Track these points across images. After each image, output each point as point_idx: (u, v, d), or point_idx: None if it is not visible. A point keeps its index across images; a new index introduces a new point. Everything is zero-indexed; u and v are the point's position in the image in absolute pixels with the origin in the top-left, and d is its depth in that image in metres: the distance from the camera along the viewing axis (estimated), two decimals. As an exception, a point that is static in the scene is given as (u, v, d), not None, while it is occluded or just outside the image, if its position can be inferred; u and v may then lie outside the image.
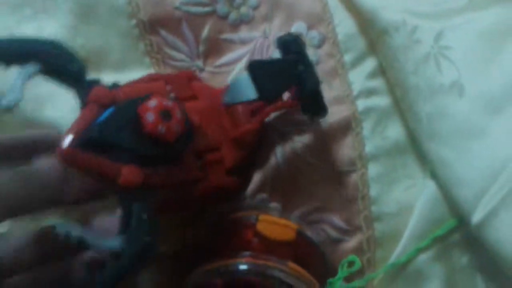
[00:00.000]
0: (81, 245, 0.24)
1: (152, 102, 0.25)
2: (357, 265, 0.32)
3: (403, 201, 0.33)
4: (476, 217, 0.29)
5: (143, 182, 0.24)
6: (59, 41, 0.26)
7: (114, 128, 0.24)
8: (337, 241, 0.33)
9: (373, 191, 0.33)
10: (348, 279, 0.33)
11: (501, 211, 0.29)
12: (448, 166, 0.30)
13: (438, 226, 0.32)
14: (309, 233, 0.33)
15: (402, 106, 0.33)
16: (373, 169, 0.33)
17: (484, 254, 0.31)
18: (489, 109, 0.30)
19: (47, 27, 0.33)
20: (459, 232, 0.32)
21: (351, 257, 0.33)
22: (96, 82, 0.26)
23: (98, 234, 0.24)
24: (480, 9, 0.33)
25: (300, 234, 0.32)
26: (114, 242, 0.24)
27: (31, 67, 0.24)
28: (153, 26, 0.34)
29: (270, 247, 0.31)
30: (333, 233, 0.33)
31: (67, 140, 0.23)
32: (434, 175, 0.32)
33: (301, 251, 0.32)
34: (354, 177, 0.33)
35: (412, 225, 0.32)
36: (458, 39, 0.32)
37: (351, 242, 0.33)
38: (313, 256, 0.33)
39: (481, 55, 0.31)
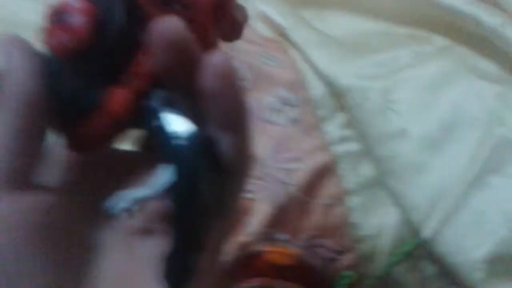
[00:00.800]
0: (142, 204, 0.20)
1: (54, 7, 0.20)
2: (354, 277, 0.42)
3: (378, 225, 0.41)
4: (425, 233, 0.38)
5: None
6: None
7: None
8: (332, 260, 0.43)
9: (355, 219, 0.42)
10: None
11: (443, 230, 0.37)
12: (402, 197, 0.39)
13: (404, 244, 0.40)
14: (307, 257, 0.43)
15: (367, 150, 0.42)
16: (353, 201, 0.42)
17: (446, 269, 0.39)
18: (429, 148, 0.38)
19: None
20: (423, 248, 0.40)
21: (347, 273, 0.42)
22: None
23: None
24: (423, 64, 0.41)
25: (299, 259, 0.42)
26: (164, 175, 0.19)
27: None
28: None
29: (277, 270, 0.42)
30: (329, 254, 0.43)
31: None
32: (395, 204, 0.40)
33: (304, 272, 0.42)
34: (338, 209, 0.42)
35: (386, 244, 0.41)
36: (402, 92, 0.40)
37: (343, 261, 0.42)
38: (312, 275, 0.43)
39: (422, 103, 0.40)
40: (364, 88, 0.41)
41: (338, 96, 0.42)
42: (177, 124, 0.19)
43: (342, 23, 0.47)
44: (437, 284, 0.40)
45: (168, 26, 0.19)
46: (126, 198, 0.20)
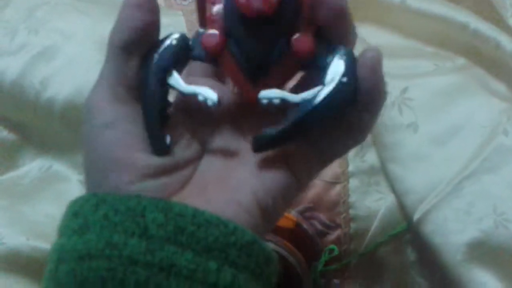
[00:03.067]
0: (284, 104, 0.26)
1: None
2: (336, 252, 0.44)
3: (372, 208, 0.44)
4: (416, 216, 0.40)
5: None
6: None
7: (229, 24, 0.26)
8: (323, 234, 0.45)
9: (351, 199, 0.45)
10: (328, 263, 0.44)
11: (432, 212, 0.39)
12: (401, 180, 0.42)
13: (394, 227, 0.43)
14: (305, 225, 0.45)
15: (375, 138, 0.45)
16: (352, 183, 0.45)
17: (428, 252, 0.41)
18: (434, 143, 0.42)
19: None
20: (409, 234, 0.42)
21: (332, 246, 0.44)
22: None
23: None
24: (441, 75, 0.45)
25: (298, 225, 0.45)
26: (312, 94, 0.25)
27: None
28: None
29: (276, 231, 0.44)
30: (320, 227, 0.45)
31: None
32: (392, 189, 0.43)
33: (297, 237, 0.44)
34: (338, 187, 0.45)
35: (376, 225, 0.43)
36: (419, 93, 0.44)
37: (333, 235, 0.45)
38: (306, 242, 0.45)
39: (434, 106, 0.43)
40: (387, 83, 0.45)
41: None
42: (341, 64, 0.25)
43: (373, 36, 0.52)
44: (415, 271, 0.42)
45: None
46: (277, 94, 0.26)
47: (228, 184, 0.28)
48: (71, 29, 0.49)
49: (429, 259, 0.41)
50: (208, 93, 0.26)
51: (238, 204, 0.26)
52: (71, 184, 0.48)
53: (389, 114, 0.44)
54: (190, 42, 0.27)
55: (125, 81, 0.26)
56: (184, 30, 0.51)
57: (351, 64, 0.25)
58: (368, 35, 0.52)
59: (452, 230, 0.38)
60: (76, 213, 0.25)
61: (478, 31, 0.45)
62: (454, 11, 0.47)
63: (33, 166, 0.49)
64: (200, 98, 0.26)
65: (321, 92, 0.25)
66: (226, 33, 0.26)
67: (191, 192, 0.27)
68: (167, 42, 0.26)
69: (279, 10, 0.25)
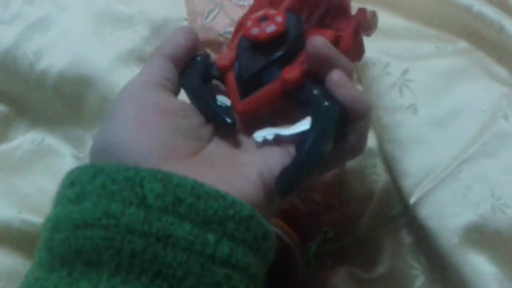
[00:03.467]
0: (278, 139, 0.29)
1: (258, 14, 0.31)
2: (331, 233, 0.44)
3: (368, 190, 0.44)
4: (413, 199, 0.40)
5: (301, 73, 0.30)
6: None
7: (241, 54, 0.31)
8: (318, 215, 0.45)
9: (348, 180, 0.44)
10: (323, 244, 0.44)
11: (429, 195, 0.39)
12: (398, 162, 0.41)
13: (390, 210, 0.42)
14: (300, 206, 0.45)
15: (374, 120, 0.45)
16: (349, 164, 0.45)
17: (423, 237, 0.41)
18: (434, 125, 0.41)
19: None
20: (405, 217, 0.42)
21: (327, 227, 0.44)
22: None
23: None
24: (443, 58, 0.45)
25: (293, 205, 0.44)
26: (303, 125, 0.29)
27: None
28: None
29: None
30: (315, 208, 0.45)
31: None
32: (389, 171, 0.43)
33: (293, 217, 0.44)
34: (335, 169, 0.45)
35: (371, 207, 0.43)
36: (420, 75, 0.43)
37: (328, 217, 0.45)
38: (300, 223, 0.44)
39: (435, 89, 0.43)
40: (388, 63, 0.44)
41: (361, 68, 0.46)
42: (324, 97, 0.29)
43: (376, 17, 0.51)
44: (409, 254, 0.42)
45: (316, 43, 0.29)
46: (270, 132, 0.30)
47: (235, 161, 0.29)
48: (66, 1, 0.48)
49: (424, 242, 0.40)
50: (223, 99, 0.32)
51: (243, 177, 0.27)
52: (64, 158, 0.47)
53: (390, 96, 0.43)
54: (211, 63, 0.33)
55: (163, 82, 0.31)
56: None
57: (326, 92, 0.29)
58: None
59: (449, 213, 0.38)
60: (73, 183, 0.25)
61: (481, 13, 0.44)
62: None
63: (25, 139, 0.48)
64: (218, 102, 0.32)
65: (310, 121, 0.29)
66: (236, 56, 0.32)
67: (198, 161, 0.28)
68: (197, 59, 0.33)
69: (282, 41, 0.30)
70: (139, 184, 0.23)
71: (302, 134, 0.29)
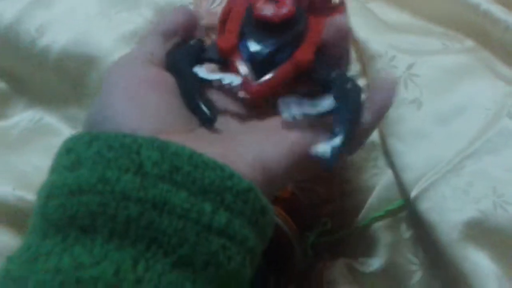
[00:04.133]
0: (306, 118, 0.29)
1: None
2: (329, 225, 0.43)
3: (369, 184, 0.43)
4: (413, 193, 0.40)
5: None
6: None
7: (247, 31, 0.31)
8: (317, 206, 0.44)
9: (348, 174, 0.44)
10: (321, 236, 0.44)
11: (430, 189, 0.39)
12: (400, 155, 0.41)
13: (390, 203, 0.42)
14: (300, 196, 0.45)
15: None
16: (350, 157, 0.44)
17: (423, 231, 0.41)
18: (437, 121, 0.41)
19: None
20: (405, 211, 0.42)
21: (325, 219, 0.44)
22: None
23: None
24: (449, 55, 0.45)
25: (293, 194, 0.44)
26: (327, 105, 0.29)
27: None
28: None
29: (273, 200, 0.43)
30: (315, 199, 0.44)
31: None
32: (390, 164, 0.43)
33: (292, 207, 0.44)
34: (336, 161, 0.44)
35: (371, 200, 0.43)
36: (425, 70, 0.43)
37: (327, 209, 0.44)
38: (300, 212, 0.44)
39: (440, 85, 0.43)
40: (394, 57, 0.44)
41: (367, 60, 0.45)
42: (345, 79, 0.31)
43: (382, 13, 0.51)
44: (407, 248, 0.41)
45: (342, 20, 0.31)
46: (298, 109, 0.30)
47: (234, 139, 0.28)
48: (72, -21, 0.48)
49: (424, 236, 0.40)
50: (231, 77, 0.30)
51: (239, 156, 0.26)
52: (62, 137, 0.44)
53: (394, 89, 0.43)
54: (206, 47, 0.32)
55: (154, 58, 0.30)
56: None
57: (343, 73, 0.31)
58: (377, 12, 0.51)
59: (450, 209, 0.38)
60: (69, 150, 0.24)
61: (489, 12, 0.44)
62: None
63: (23, 117, 0.48)
64: (226, 81, 0.30)
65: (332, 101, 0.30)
66: (238, 38, 0.31)
67: (192, 138, 0.27)
68: (190, 42, 0.32)
69: (290, 23, 0.30)
70: (136, 151, 0.23)
71: (329, 113, 0.29)
